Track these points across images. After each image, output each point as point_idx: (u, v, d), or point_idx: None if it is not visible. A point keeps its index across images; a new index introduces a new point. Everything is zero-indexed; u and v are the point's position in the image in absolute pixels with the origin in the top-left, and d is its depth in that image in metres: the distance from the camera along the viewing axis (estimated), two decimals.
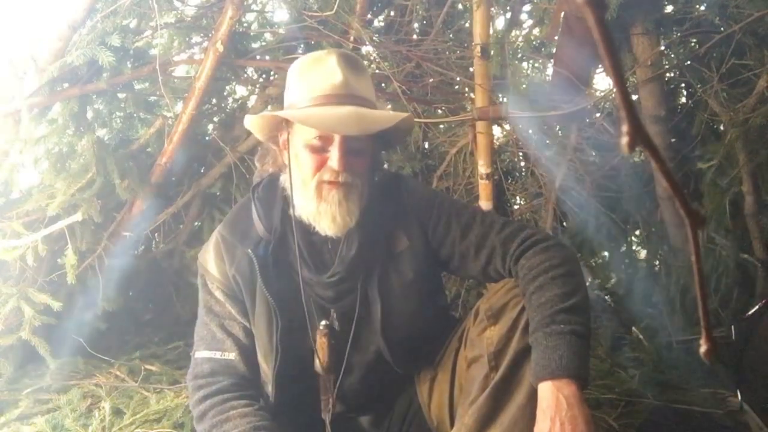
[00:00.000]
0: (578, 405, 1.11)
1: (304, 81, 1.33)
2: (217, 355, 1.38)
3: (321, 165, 1.28)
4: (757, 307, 2.32)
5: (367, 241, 1.35)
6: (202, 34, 2.81)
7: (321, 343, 1.37)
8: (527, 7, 3.00)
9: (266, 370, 1.39)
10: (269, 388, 1.39)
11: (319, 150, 1.28)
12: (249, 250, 1.36)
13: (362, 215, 1.33)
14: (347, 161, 1.27)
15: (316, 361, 1.38)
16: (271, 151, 1.40)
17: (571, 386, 1.12)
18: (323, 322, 1.37)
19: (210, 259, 1.41)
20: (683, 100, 2.92)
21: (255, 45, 2.83)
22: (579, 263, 1.34)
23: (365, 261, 1.36)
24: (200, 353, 1.40)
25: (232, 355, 1.38)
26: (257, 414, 1.32)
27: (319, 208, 1.29)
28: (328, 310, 1.39)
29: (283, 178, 1.37)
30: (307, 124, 1.27)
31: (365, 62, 2.98)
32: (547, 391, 1.13)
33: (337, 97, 1.28)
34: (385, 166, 3.02)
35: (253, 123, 1.36)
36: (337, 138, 1.27)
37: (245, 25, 2.84)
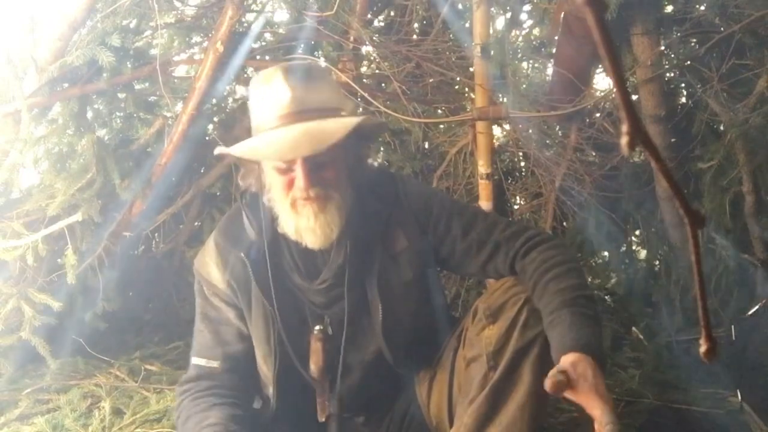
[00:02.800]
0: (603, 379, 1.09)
1: (258, 104, 1.32)
2: (203, 362, 1.41)
3: (291, 185, 1.27)
4: (757, 307, 2.32)
5: (360, 247, 1.35)
6: (202, 34, 2.81)
7: (315, 348, 1.38)
8: (527, 7, 3.00)
9: (266, 372, 1.40)
10: (270, 390, 1.40)
11: (286, 171, 1.27)
12: (242, 254, 1.36)
13: (349, 222, 1.33)
14: (313, 178, 1.26)
15: (311, 365, 1.38)
16: (253, 170, 1.38)
17: (597, 365, 1.10)
18: (317, 327, 1.38)
19: (206, 265, 1.42)
20: (683, 100, 2.91)
21: (255, 45, 2.82)
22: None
23: (359, 265, 1.36)
24: (193, 359, 1.44)
25: (216, 363, 1.40)
26: (228, 412, 1.33)
27: (298, 224, 1.29)
28: (322, 314, 1.40)
29: (265, 198, 1.36)
30: (259, 158, 1.29)
31: (366, 61, 2.99)
32: (578, 357, 1.09)
33: (287, 117, 1.25)
34: (385, 165, 3.02)
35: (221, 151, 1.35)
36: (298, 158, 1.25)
37: (245, 25, 2.83)
